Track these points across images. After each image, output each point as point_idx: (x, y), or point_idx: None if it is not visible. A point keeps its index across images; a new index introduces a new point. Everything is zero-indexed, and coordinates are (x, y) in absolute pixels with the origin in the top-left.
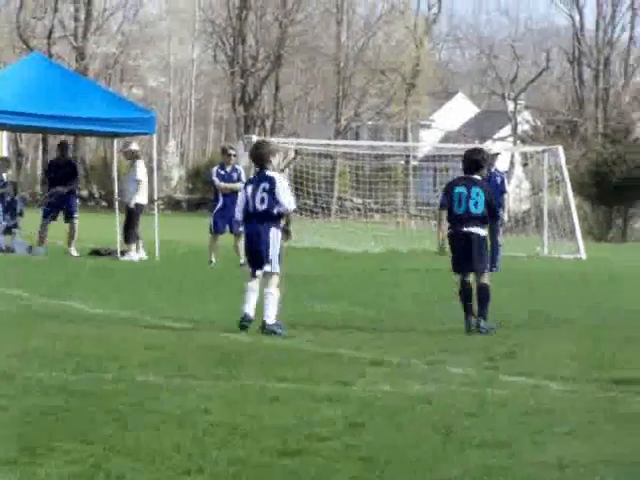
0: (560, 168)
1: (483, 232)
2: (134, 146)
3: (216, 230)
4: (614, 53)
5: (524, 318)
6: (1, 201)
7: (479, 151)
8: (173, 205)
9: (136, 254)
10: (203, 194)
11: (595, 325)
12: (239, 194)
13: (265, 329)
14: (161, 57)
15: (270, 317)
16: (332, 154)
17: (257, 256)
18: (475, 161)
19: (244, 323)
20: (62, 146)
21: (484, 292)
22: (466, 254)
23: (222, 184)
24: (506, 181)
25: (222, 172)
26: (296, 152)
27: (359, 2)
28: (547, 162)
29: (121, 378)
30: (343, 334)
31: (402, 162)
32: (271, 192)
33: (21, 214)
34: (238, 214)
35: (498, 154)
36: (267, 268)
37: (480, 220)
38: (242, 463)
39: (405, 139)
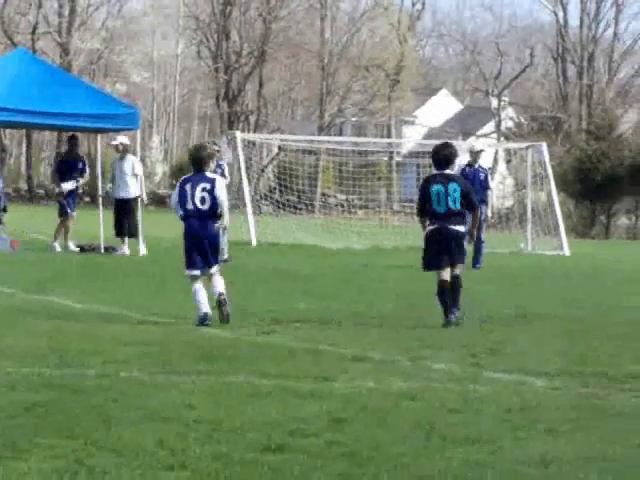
0: (544, 164)
1: (463, 228)
2: (124, 139)
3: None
4: (598, 49)
5: (507, 314)
6: None
7: (448, 146)
8: (157, 201)
9: (126, 248)
10: None
11: (578, 321)
12: (173, 192)
13: (221, 297)
14: (145, 53)
15: (224, 291)
16: (316, 150)
17: (201, 253)
18: (445, 156)
19: (207, 322)
20: (72, 140)
21: (458, 282)
22: (447, 250)
23: None
24: (490, 177)
25: None
26: (280, 148)
27: None
28: (531, 158)
29: (104, 373)
30: (325, 330)
31: (385, 158)
32: (211, 192)
33: (4, 210)
34: (179, 212)
35: (482, 151)
36: (214, 263)
37: (460, 216)
38: (225, 459)
39: (389, 135)
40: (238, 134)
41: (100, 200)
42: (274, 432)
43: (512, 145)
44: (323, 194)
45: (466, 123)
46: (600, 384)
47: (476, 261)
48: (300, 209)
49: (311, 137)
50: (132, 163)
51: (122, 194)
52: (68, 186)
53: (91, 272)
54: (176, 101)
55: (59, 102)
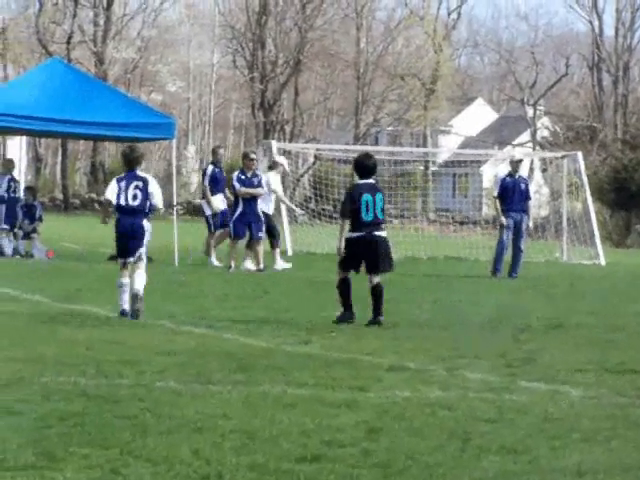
0: (579, 174)
1: (385, 233)
2: (280, 159)
3: (236, 235)
4: (633, 59)
5: (543, 323)
6: (21, 207)
7: (370, 156)
8: (192, 210)
9: (282, 263)
10: None
11: (614, 330)
12: (110, 184)
13: (137, 297)
14: (180, 62)
15: (141, 289)
16: (351, 160)
17: (130, 246)
18: (369, 166)
19: (124, 318)
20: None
21: (379, 289)
22: (372, 257)
23: (243, 189)
24: (530, 187)
25: (243, 177)
26: (315, 157)
27: (379, 7)
28: (566, 168)
29: (140, 383)
30: (361, 340)
31: (421, 168)
32: (144, 190)
33: (40, 219)
34: (112, 197)
35: (521, 160)
36: (138, 255)
37: (383, 224)
38: (261, 469)
39: (424, 145)
40: (274, 143)
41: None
42: (310, 442)
43: (548, 154)
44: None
45: (502, 132)
46: (636, 393)
47: (513, 270)
48: (335, 218)
49: (347, 146)
50: (267, 179)
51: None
52: (220, 205)
53: None
54: (212, 110)
55: (94, 111)
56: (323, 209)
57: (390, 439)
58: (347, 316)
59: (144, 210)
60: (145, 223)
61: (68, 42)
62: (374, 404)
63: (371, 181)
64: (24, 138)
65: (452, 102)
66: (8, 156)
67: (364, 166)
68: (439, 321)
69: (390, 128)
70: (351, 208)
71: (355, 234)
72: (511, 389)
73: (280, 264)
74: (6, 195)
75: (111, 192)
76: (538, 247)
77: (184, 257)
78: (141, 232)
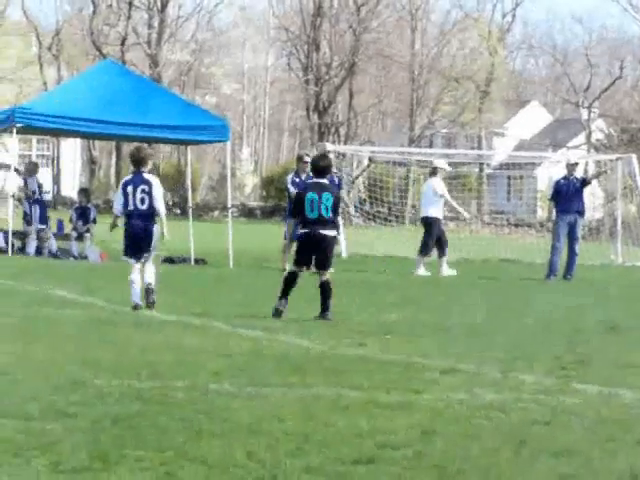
0: (634, 176)
1: (332, 233)
2: (440, 163)
3: (293, 237)
4: None
5: (597, 326)
6: (75, 209)
7: (326, 157)
8: (247, 213)
9: (447, 269)
10: (277, 202)
11: None
12: (117, 193)
13: (150, 290)
14: (235, 64)
15: (152, 281)
16: (406, 162)
17: (141, 248)
18: (323, 167)
19: (137, 311)
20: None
21: (328, 287)
22: (316, 252)
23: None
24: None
25: (297, 180)
26: (370, 160)
27: (433, 10)
28: (621, 170)
29: (194, 386)
30: (415, 342)
31: (476, 170)
32: (150, 193)
33: (94, 221)
34: (118, 210)
35: (577, 164)
36: (147, 255)
37: (331, 222)
38: (315, 471)
39: (479, 147)
40: (329, 146)
41: (190, 212)
42: (364, 444)
43: (602, 157)
44: (413, 206)
45: (556, 135)
46: None
47: (568, 272)
48: (390, 221)
49: (401, 149)
50: (433, 184)
51: (424, 213)
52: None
53: (179, 284)
54: (266, 113)
55: (149, 114)
56: (378, 211)
57: (444, 441)
58: (278, 304)
59: (153, 213)
60: (155, 226)
61: (122, 44)
62: (428, 407)
63: (322, 181)
64: (78, 140)
65: (507, 104)
66: (64, 158)
67: (315, 166)
68: (493, 323)
69: (445, 130)
70: (297, 206)
71: (301, 231)
72: (565, 391)
73: (446, 271)
74: (39, 197)
75: (118, 203)
76: (593, 249)
77: (239, 259)
78: (151, 234)
